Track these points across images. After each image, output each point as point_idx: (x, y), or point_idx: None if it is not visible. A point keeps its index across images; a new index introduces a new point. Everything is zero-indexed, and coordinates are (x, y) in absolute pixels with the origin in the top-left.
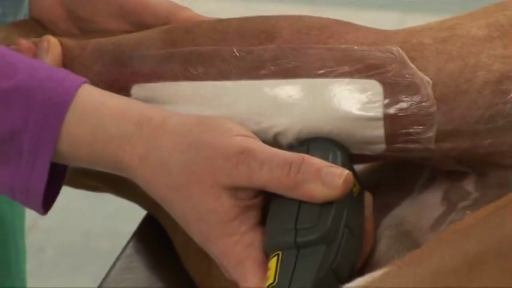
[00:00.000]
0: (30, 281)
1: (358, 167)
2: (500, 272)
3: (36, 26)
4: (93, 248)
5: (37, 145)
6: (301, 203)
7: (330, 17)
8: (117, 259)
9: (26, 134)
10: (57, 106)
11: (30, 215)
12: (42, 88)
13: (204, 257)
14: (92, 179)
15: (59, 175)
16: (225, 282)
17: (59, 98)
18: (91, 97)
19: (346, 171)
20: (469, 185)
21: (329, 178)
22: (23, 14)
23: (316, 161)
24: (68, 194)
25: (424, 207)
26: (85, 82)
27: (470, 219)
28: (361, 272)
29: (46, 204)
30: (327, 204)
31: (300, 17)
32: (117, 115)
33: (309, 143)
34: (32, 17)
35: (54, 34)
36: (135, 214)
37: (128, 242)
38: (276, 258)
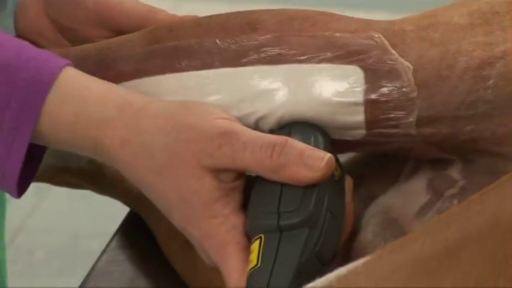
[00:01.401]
0: (20, 282)
1: (342, 158)
2: (478, 256)
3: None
4: (82, 249)
5: (17, 123)
6: (283, 186)
7: None
8: (103, 253)
9: (7, 111)
10: (40, 84)
11: (19, 218)
12: (27, 67)
13: (188, 249)
14: (73, 176)
15: (36, 160)
16: (209, 273)
17: (42, 76)
18: (74, 79)
19: (328, 155)
20: (455, 173)
21: (311, 161)
22: (8, 11)
23: (299, 144)
24: (55, 196)
25: (409, 195)
26: (69, 64)
27: (455, 208)
28: (347, 260)
29: (20, 188)
30: (309, 187)
31: (283, 10)
32: (99, 98)
33: (291, 127)
34: (19, 29)
35: (41, 46)
36: (123, 214)
37: (112, 237)
38: (258, 241)
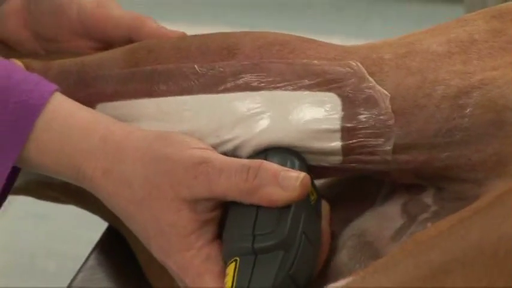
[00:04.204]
0: None
1: (318, 182)
2: (463, 281)
3: (2, 48)
4: (39, 269)
5: (3, 146)
6: (258, 209)
7: None
8: (79, 271)
9: None
10: (30, 108)
11: None
12: (18, 89)
13: (167, 269)
14: (55, 190)
15: (10, 182)
16: None
17: (33, 100)
18: (62, 106)
19: (303, 174)
20: (427, 198)
21: (286, 181)
22: None
23: (273, 166)
24: (12, 216)
25: (384, 219)
26: (57, 90)
27: (432, 230)
28: (323, 282)
29: None
30: (285, 210)
31: (262, 33)
32: (84, 128)
33: (267, 153)
34: None
35: (21, 55)
36: (81, 235)
37: (90, 254)
38: (233, 264)
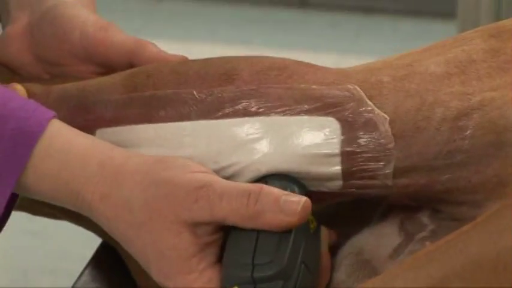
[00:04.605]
0: None
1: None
2: None
3: (4, 72)
4: (33, 286)
5: (1, 173)
6: (259, 236)
7: None
8: (73, 287)
9: None
10: (28, 135)
11: None
12: (15, 117)
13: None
14: (50, 206)
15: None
16: None
17: (31, 127)
18: (60, 132)
19: (304, 198)
20: (424, 217)
21: (287, 206)
22: None
23: (274, 190)
24: (5, 233)
25: (382, 236)
26: (55, 116)
27: (431, 246)
28: None
29: None
30: (284, 240)
31: (260, 58)
32: (82, 154)
33: (267, 179)
34: (0, 62)
35: (23, 79)
36: (75, 251)
37: (84, 270)
38: None
